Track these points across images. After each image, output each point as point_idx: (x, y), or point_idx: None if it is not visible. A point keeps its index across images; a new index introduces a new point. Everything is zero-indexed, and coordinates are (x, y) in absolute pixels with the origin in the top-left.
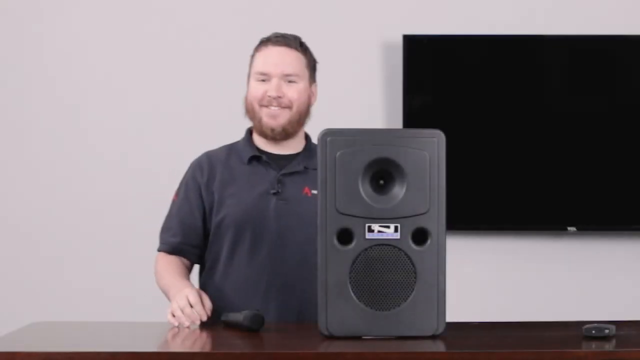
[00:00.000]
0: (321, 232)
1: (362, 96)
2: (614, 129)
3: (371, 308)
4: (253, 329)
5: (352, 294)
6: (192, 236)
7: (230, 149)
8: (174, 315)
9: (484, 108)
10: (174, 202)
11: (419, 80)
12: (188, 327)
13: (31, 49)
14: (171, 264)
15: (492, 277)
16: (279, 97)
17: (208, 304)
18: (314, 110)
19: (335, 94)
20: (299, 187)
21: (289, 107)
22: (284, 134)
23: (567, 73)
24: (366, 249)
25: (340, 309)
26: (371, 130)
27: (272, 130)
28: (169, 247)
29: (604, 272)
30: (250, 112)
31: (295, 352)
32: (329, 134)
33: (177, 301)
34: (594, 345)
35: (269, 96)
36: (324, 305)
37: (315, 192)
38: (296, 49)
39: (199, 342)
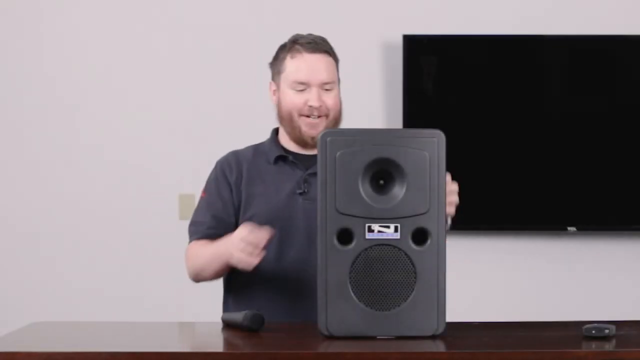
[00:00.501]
0: (321, 232)
1: (362, 96)
2: (614, 129)
3: (371, 308)
4: (253, 329)
5: (352, 294)
6: (225, 231)
7: (256, 149)
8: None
9: (483, 108)
10: (202, 198)
11: (419, 80)
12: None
13: (31, 49)
14: (206, 242)
15: (492, 277)
16: (319, 106)
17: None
18: None
19: None
20: None
21: (327, 115)
22: None
23: (567, 73)
24: (366, 249)
25: (340, 309)
26: (371, 130)
27: (312, 138)
28: (204, 236)
29: (604, 272)
30: (287, 121)
31: (295, 352)
32: (329, 134)
33: (234, 244)
34: (594, 345)
35: (310, 106)
36: (323, 305)
37: None
38: (328, 53)
39: (199, 342)
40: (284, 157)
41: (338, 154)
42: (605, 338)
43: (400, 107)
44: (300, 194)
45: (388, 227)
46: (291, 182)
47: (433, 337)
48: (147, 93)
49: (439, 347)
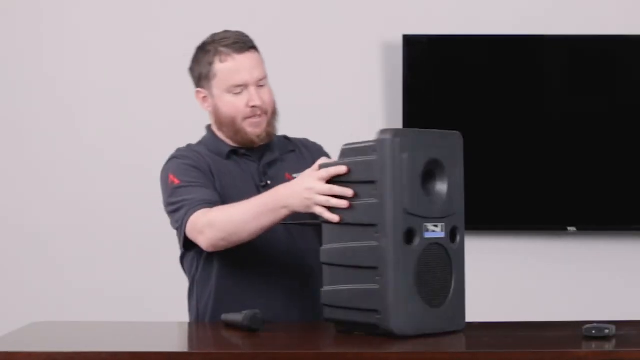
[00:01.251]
0: (388, 233)
1: (362, 96)
2: (614, 129)
3: (429, 305)
4: (253, 329)
5: (417, 293)
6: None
7: (195, 147)
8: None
9: (483, 108)
10: (175, 185)
11: (419, 80)
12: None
13: (31, 49)
14: (228, 206)
15: (492, 277)
16: (261, 105)
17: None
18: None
19: (335, 94)
20: (281, 174)
21: (266, 112)
22: (269, 137)
23: (567, 73)
24: (425, 248)
25: (408, 308)
26: (424, 132)
27: (258, 136)
28: (208, 204)
29: (604, 272)
30: (229, 126)
31: (295, 352)
32: (397, 134)
33: (310, 191)
34: (594, 345)
35: (253, 107)
36: (394, 305)
37: (295, 175)
38: (254, 48)
39: (199, 342)
40: (235, 151)
41: (405, 155)
42: (605, 338)
43: (400, 107)
44: (263, 186)
45: (437, 226)
46: (250, 176)
47: (433, 337)
48: (147, 93)
49: (439, 347)
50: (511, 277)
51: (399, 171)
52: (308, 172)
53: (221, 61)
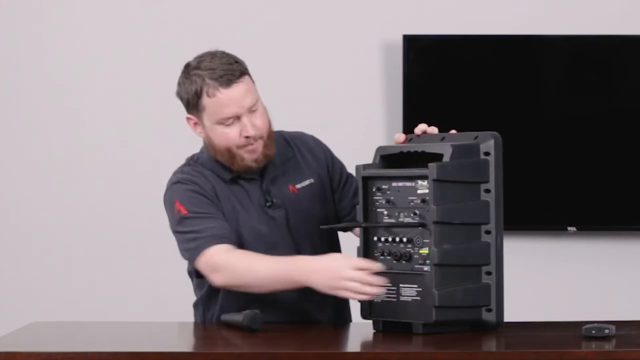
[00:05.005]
0: (500, 230)
1: (362, 96)
2: (614, 129)
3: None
4: (253, 329)
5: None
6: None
7: (203, 165)
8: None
9: (483, 108)
10: (183, 215)
11: (419, 80)
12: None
13: (31, 49)
14: (252, 254)
15: None
16: (255, 133)
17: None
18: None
19: (336, 94)
20: (284, 188)
21: (262, 137)
22: (267, 159)
23: (567, 73)
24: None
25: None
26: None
27: (255, 161)
28: (230, 241)
29: (604, 272)
30: (224, 155)
31: (295, 352)
32: (494, 135)
33: (341, 276)
34: (594, 345)
35: (247, 137)
36: (501, 299)
37: (298, 186)
38: (242, 73)
39: (199, 342)
40: (238, 175)
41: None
42: (605, 338)
43: (400, 107)
44: (269, 206)
45: None
46: (253, 197)
47: (433, 337)
48: (148, 93)
49: (439, 347)
50: (511, 277)
51: (501, 171)
52: (340, 258)
53: (208, 95)
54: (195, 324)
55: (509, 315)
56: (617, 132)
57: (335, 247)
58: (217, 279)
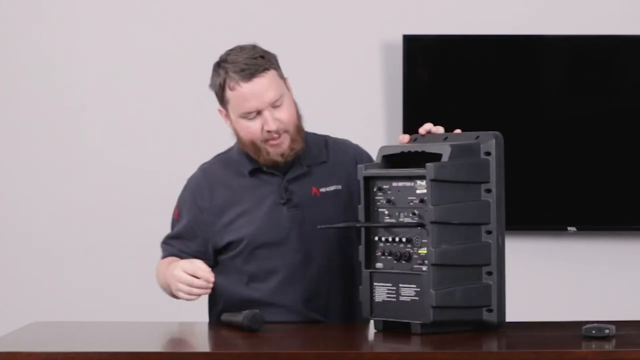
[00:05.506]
0: (501, 230)
1: (362, 96)
2: (614, 129)
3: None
4: (253, 329)
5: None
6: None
7: (226, 161)
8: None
9: (483, 108)
10: (175, 220)
11: (419, 80)
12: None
13: (31, 49)
14: (169, 261)
15: None
16: (277, 127)
17: (203, 267)
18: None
19: (335, 94)
20: (306, 189)
21: (287, 130)
22: (294, 153)
23: (567, 73)
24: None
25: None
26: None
27: (282, 155)
28: (170, 254)
29: (604, 272)
30: (250, 147)
31: (295, 352)
32: (495, 135)
33: (175, 278)
34: (594, 345)
35: (269, 131)
36: (503, 297)
37: (323, 190)
38: (265, 68)
39: (199, 342)
40: (259, 168)
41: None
42: (605, 338)
43: (400, 107)
44: (284, 203)
45: None
46: (271, 193)
47: (433, 337)
48: (148, 93)
49: (439, 347)
50: (511, 277)
51: (502, 170)
52: (184, 263)
53: (230, 88)
54: (195, 324)
55: (509, 315)
56: (617, 132)
57: (350, 252)
58: None
